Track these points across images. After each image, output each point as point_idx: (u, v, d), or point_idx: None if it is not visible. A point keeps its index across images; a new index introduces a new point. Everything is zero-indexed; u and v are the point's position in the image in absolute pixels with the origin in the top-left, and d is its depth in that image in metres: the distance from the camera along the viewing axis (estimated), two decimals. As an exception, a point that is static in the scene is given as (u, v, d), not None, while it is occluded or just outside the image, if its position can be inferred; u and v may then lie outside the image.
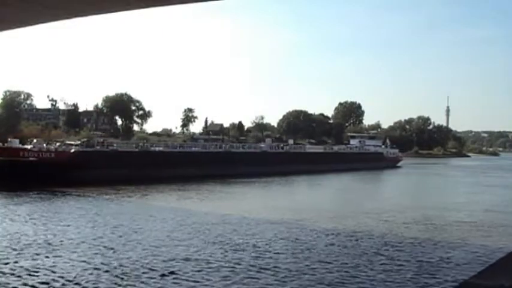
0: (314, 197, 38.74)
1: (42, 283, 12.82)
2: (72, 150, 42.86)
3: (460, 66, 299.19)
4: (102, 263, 14.73)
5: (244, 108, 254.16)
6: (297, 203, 33.23)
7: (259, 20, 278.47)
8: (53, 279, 13.11)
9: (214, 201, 31.79)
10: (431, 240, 20.01)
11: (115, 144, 52.14)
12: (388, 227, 22.78)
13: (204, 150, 56.56)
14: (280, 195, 39.67)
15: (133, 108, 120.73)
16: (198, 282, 13.25)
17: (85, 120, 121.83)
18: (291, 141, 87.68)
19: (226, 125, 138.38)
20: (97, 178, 37.13)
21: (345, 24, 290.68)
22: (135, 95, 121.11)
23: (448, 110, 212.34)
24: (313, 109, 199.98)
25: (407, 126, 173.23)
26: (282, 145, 74.96)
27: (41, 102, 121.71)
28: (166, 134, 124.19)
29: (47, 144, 44.56)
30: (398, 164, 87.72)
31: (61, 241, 17.74)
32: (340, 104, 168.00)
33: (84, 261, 14.93)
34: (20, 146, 43.09)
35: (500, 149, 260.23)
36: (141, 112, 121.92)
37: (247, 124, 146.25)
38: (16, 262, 14.66)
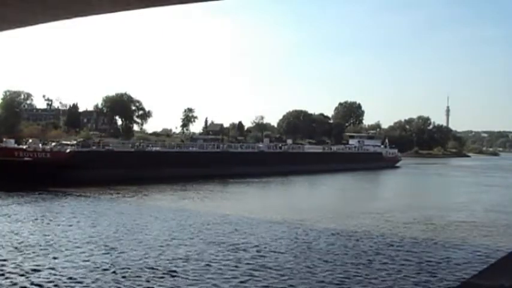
0: (313, 197, 38.75)
1: (43, 283, 12.83)
2: (68, 151, 42.66)
3: (460, 66, 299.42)
4: (103, 263, 14.73)
5: (244, 108, 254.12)
6: (295, 203, 33.25)
7: (259, 20, 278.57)
8: (54, 279, 13.11)
9: (212, 202, 31.70)
10: (431, 240, 20.01)
11: (111, 145, 51.95)
12: (388, 227, 22.77)
13: (201, 150, 56.38)
14: (279, 196, 39.70)
15: (134, 108, 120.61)
16: (198, 281, 13.26)
17: (85, 120, 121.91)
18: (289, 141, 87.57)
19: (226, 125, 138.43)
20: (93, 178, 37.02)
21: (345, 24, 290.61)
22: (135, 95, 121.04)
23: (448, 110, 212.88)
24: (313, 109, 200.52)
25: (407, 126, 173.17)
26: (280, 145, 74.86)
27: (41, 102, 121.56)
28: (166, 134, 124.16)
29: (42, 144, 44.35)
30: (397, 164, 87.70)
31: (60, 242, 17.73)
32: (340, 104, 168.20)
33: (85, 261, 14.95)
34: (16, 146, 42.85)
35: (500, 149, 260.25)
36: (141, 112, 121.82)
37: (247, 124, 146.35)
38: (18, 262, 14.67)
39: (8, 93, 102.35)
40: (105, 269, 14.14)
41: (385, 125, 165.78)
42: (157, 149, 53.61)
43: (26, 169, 36.49)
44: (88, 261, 15.03)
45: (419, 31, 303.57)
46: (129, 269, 14.26)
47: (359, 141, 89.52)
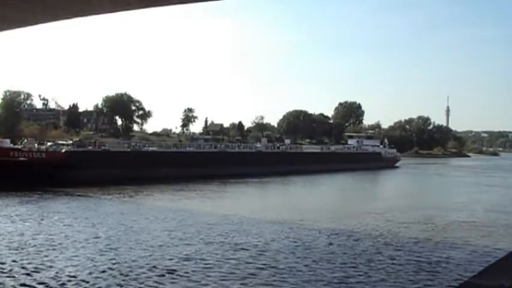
0: (312, 197, 38.61)
1: (44, 282, 12.84)
2: (63, 151, 42.48)
3: (460, 66, 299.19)
4: (103, 263, 14.73)
5: (244, 108, 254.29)
6: (295, 203, 33.26)
7: (259, 20, 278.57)
8: (55, 279, 13.12)
9: (211, 202, 31.67)
10: (431, 240, 20.01)
11: (107, 145, 51.73)
12: (388, 226, 22.75)
13: (198, 150, 56.13)
14: (278, 196, 39.64)
15: (134, 108, 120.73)
16: (198, 281, 13.26)
17: (85, 120, 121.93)
18: (287, 141, 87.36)
19: (226, 125, 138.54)
20: (89, 178, 36.87)
21: (345, 24, 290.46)
22: (135, 95, 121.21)
23: (448, 110, 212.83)
24: (313, 109, 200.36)
25: (407, 126, 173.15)
26: (278, 145, 74.77)
27: (41, 102, 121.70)
28: (166, 134, 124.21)
29: (38, 144, 44.15)
30: (397, 164, 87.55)
31: (59, 241, 17.74)
32: (340, 104, 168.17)
33: (85, 261, 14.94)
34: (11, 146, 42.60)
35: (500, 149, 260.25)
36: (141, 112, 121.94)
37: (247, 124, 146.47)
38: (18, 262, 14.67)
39: (8, 93, 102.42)
40: (105, 269, 14.12)
41: (385, 125, 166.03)
42: (154, 149, 53.36)
43: (20, 169, 36.22)
44: (88, 261, 15.02)
45: (419, 31, 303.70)
46: (129, 268, 14.26)
47: (358, 141, 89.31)
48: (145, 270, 14.17)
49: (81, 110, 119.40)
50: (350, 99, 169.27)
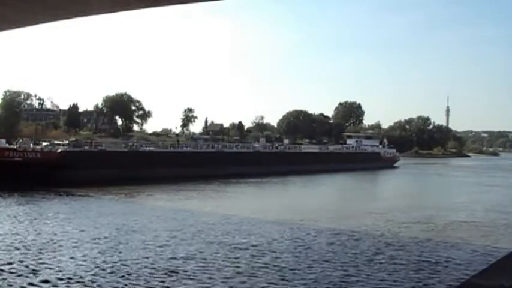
0: (311, 197, 38.42)
1: (46, 282, 12.85)
2: (59, 151, 42.05)
3: (460, 66, 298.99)
4: (103, 262, 14.73)
5: (244, 108, 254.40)
6: (294, 203, 33.26)
7: (259, 20, 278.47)
8: (56, 278, 13.12)
9: (210, 202, 31.57)
10: (431, 240, 20.02)
11: (103, 144, 51.50)
12: (388, 226, 22.76)
13: (195, 150, 55.92)
14: (277, 196, 39.46)
15: (134, 108, 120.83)
16: (199, 281, 13.26)
17: (85, 120, 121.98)
18: (286, 141, 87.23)
19: (226, 125, 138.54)
20: (85, 178, 36.60)
21: (345, 24, 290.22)
22: (135, 95, 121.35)
23: (448, 110, 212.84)
24: (313, 109, 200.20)
25: (407, 126, 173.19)
26: (276, 145, 74.66)
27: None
28: (166, 134, 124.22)
29: (34, 144, 43.79)
30: (396, 164, 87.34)
31: (60, 241, 17.73)
32: (340, 104, 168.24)
33: (86, 261, 14.95)
34: (7, 146, 42.18)
35: (500, 149, 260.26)
36: (141, 112, 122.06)
37: (247, 124, 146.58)
38: (20, 261, 14.66)
39: (8, 93, 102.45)
40: (106, 269, 14.12)
41: (385, 125, 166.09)
42: (151, 149, 53.06)
43: (15, 169, 35.80)
44: (89, 260, 15.01)
45: (419, 31, 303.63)
46: (130, 268, 14.24)
47: (357, 141, 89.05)
48: (146, 269, 14.16)
49: (81, 110, 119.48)
50: (350, 99, 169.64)
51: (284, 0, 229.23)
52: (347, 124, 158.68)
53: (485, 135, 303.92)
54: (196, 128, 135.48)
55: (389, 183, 58.86)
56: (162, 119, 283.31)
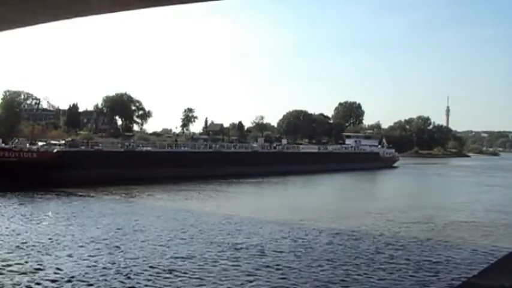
0: (310, 198, 38.26)
1: (47, 281, 12.87)
2: (55, 151, 41.91)
3: (460, 66, 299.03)
4: (104, 262, 14.74)
5: (244, 108, 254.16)
6: (293, 203, 33.29)
7: (259, 20, 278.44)
8: (57, 277, 13.15)
9: (210, 202, 31.48)
10: (431, 240, 20.02)
11: (100, 144, 51.32)
12: (388, 226, 22.77)
13: (193, 150, 55.67)
14: (276, 196, 39.40)
15: (134, 108, 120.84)
16: (199, 280, 13.27)
17: (85, 120, 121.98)
18: (284, 141, 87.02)
19: (226, 125, 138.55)
20: (81, 179, 36.47)
21: (345, 24, 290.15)
22: (135, 95, 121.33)
23: (448, 110, 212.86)
24: (313, 109, 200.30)
25: (407, 126, 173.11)
26: (274, 145, 74.50)
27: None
28: (166, 134, 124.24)
29: (30, 144, 43.60)
30: (395, 164, 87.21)
31: (60, 241, 17.73)
32: (340, 104, 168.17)
33: (87, 260, 14.97)
34: (3, 145, 42.05)
35: (500, 149, 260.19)
36: (141, 112, 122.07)
37: (247, 124, 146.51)
38: (22, 261, 14.67)
39: (8, 93, 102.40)
40: (106, 268, 14.14)
41: (385, 125, 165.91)
42: (148, 149, 52.87)
43: (10, 169, 35.61)
44: (89, 260, 15.03)
45: (419, 31, 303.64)
46: (131, 267, 14.25)
47: (355, 141, 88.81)
48: (147, 269, 14.16)
49: (81, 110, 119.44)
50: (350, 99, 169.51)
51: (284, 0, 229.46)
52: (347, 124, 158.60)
53: (485, 135, 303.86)
54: (196, 128, 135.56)
55: (389, 183, 58.78)
56: (162, 119, 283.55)
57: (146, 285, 12.90)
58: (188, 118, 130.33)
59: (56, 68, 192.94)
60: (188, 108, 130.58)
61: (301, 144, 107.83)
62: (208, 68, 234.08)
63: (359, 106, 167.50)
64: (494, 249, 18.08)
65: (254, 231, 20.53)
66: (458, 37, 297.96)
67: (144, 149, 52.47)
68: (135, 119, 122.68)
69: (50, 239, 18.02)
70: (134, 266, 14.57)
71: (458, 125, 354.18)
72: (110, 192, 33.33)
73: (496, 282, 7.39)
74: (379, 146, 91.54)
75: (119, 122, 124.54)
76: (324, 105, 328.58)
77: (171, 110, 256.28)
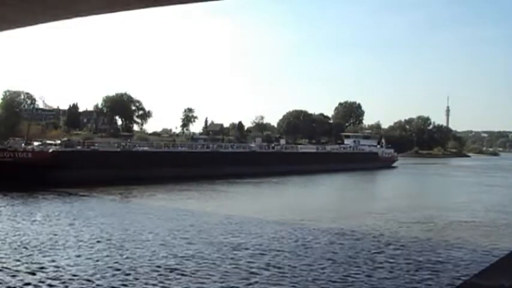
0: (310, 198, 38.11)
1: (47, 281, 12.87)
2: (51, 150, 41.58)
3: (460, 66, 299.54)
4: (105, 262, 14.73)
5: (244, 108, 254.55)
6: (293, 203, 33.23)
7: (259, 20, 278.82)
8: (58, 277, 13.14)
9: (209, 202, 31.36)
10: (431, 240, 20.01)
11: (96, 144, 51.13)
12: (388, 226, 22.76)
13: (190, 150, 55.46)
14: (275, 196, 39.18)
15: (134, 108, 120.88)
16: (199, 280, 13.27)
17: (85, 120, 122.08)
18: (282, 141, 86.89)
19: (226, 125, 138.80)
20: (76, 179, 36.28)
21: (345, 24, 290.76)
22: (135, 95, 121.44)
23: (448, 110, 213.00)
24: (313, 109, 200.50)
25: (407, 126, 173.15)
26: (272, 145, 74.36)
27: (41, 103, 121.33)
28: (166, 134, 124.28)
29: (25, 144, 43.37)
30: (394, 164, 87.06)
31: (60, 241, 17.73)
32: (340, 104, 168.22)
33: (87, 260, 14.96)
34: None
35: (500, 149, 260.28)
36: (141, 112, 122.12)
37: (247, 124, 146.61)
38: (24, 261, 14.66)
39: (8, 93, 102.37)
40: (107, 268, 14.13)
41: (385, 125, 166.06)
42: (145, 149, 52.64)
43: (5, 169, 35.38)
44: (91, 260, 15.03)
45: (419, 31, 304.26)
46: (131, 267, 14.25)
47: (354, 141, 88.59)
48: (147, 269, 14.16)
49: (81, 110, 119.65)
50: (350, 99, 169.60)
51: (284, 0, 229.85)
52: (347, 124, 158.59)
53: (485, 135, 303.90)
54: (196, 128, 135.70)
55: (388, 183, 58.65)
56: (162, 119, 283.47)
57: (146, 285, 12.90)
58: (188, 118, 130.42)
59: (56, 68, 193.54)
60: (188, 108, 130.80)
61: (301, 144, 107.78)
62: (208, 68, 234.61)
63: (359, 106, 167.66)
64: (494, 249, 18.07)
65: (254, 231, 20.51)
66: (458, 37, 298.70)
67: (141, 149, 52.17)
68: (135, 119, 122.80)
69: (50, 239, 18.00)
70: (134, 265, 14.56)
71: (458, 125, 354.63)
72: (108, 192, 33.16)
73: (496, 282, 7.39)
74: (378, 146, 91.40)
75: (119, 122, 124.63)
76: (324, 105, 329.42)
77: (171, 110, 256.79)
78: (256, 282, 13.39)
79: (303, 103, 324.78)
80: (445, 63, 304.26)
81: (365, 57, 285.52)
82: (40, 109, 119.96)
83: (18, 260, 14.83)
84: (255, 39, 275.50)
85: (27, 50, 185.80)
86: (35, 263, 14.57)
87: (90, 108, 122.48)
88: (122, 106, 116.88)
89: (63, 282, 12.89)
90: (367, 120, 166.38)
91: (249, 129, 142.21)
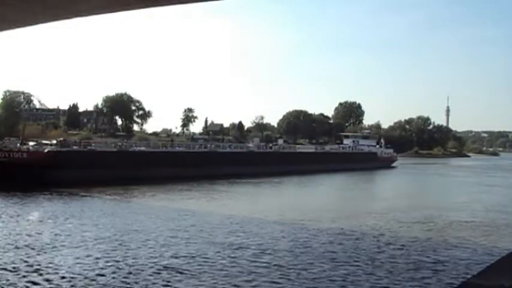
0: (310, 198, 38.10)
1: (48, 281, 12.86)
2: (46, 150, 41.17)
3: (460, 66, 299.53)
4: (105, 261, 14.74)
5: (244, 108, 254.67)
6: (293, 203, 33.25)
7: (259, 20, 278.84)
8: (59, 277, 13.15)
9: (209, 202, 31.42)
10: (431, 239, 20.02)
11: (93, 144, 50.96)
12: (388, 226, 22.76)
13: (187, 150, 55.26)
14: (275, 196, 39.06)
15: (134, 108, 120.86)
16: (200, 280, 13.27)
17: (85, 120, 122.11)
18: (280, 141, 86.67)
19: (226, 125, 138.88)
20: (72, 179, 36.01)
21: (345, 24, 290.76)
22: (135, 95, 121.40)
23: (448, 110, 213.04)
24: (313, 109, 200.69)
25: (407, 126, 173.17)
26: (270, 145, 74.23)
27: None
28: (166, 134, 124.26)
29: (20, 144, 42.94)
30: (393, 164, 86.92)
31: (61, 241, 17.74)
32: (340, 104, 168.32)
33: (88, 259, 14.96)
34: None
35: (500, 149, 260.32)
36: (141, 112, 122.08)
37: (247, 124, 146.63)
38: (23, 261, 14.67)
39: (8, 93, 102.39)
40: (107, 268, 14.14)
41: (385, 125, 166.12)
42: (142, 149, 52.38)
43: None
44: (91, 259, 15.03)
45: (419, 31, 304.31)
46: (132, 267, 14.25)
47: (353, 141, 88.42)
48: (148, 269, 14.16)
49: (81, 110, 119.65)
50: (350, 99, 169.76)
51: (284, 0, 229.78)
52: (347, 124, 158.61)
53: (485, 135, 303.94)
54: (196, 128, 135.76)
55: (388, 183, 58.61)
56: (162, 119, 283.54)
57: (148, 285, 12.90)
58: (188, 118, 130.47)
59: (56, 68, 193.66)
60: (188, 108, 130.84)
61: (301, 144, 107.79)
62: (208, 68, 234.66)
63: (359, 106, 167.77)
64: (494, 249, 18.08)
65: (255, 231, 20.51)
66: (458, 37, 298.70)
67: (138, 149, 51.92)
68: (135, 119, 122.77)
69: (50, 238, 18.01)
70: (136, 265, 14.56)
71: (458, 125, 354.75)
72: (106, 193, 32.99)
73: (496, 282, 7.40)
74: (377, 146, 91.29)
75: (119, 122, 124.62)
76: (324, 105, 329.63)
77: (171, 110, 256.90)
78: (257, 281, 13.39)
79: (303, 103, 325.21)
80: (445, 63, 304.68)
81: (365, 57, 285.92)
82: (40, 109, 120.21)
83: (18, 260, 14.83)
84: (255, 39, 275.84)
85: (27, 50, 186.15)
86: (35, 263, 14.56)
87: (90, 108, 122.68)
88: (121, 106, 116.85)
89: (63, 283, 12.90)
90: (367, 120, 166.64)
91: (249, 129, 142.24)
